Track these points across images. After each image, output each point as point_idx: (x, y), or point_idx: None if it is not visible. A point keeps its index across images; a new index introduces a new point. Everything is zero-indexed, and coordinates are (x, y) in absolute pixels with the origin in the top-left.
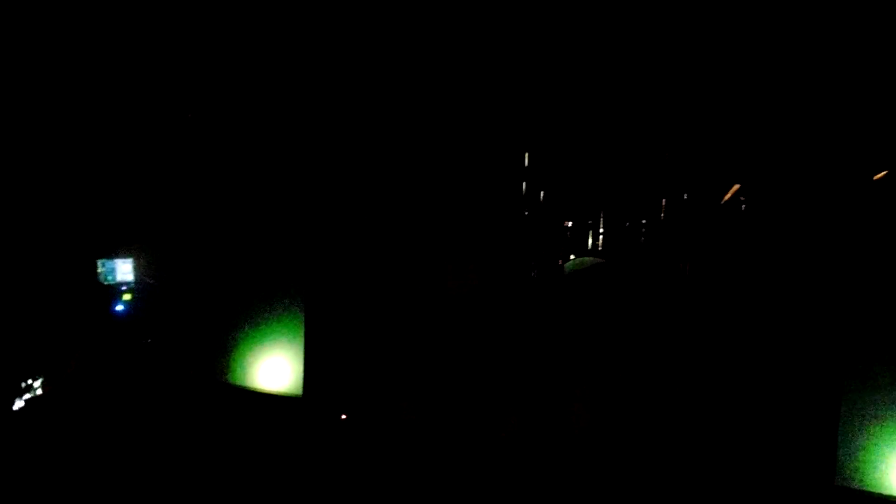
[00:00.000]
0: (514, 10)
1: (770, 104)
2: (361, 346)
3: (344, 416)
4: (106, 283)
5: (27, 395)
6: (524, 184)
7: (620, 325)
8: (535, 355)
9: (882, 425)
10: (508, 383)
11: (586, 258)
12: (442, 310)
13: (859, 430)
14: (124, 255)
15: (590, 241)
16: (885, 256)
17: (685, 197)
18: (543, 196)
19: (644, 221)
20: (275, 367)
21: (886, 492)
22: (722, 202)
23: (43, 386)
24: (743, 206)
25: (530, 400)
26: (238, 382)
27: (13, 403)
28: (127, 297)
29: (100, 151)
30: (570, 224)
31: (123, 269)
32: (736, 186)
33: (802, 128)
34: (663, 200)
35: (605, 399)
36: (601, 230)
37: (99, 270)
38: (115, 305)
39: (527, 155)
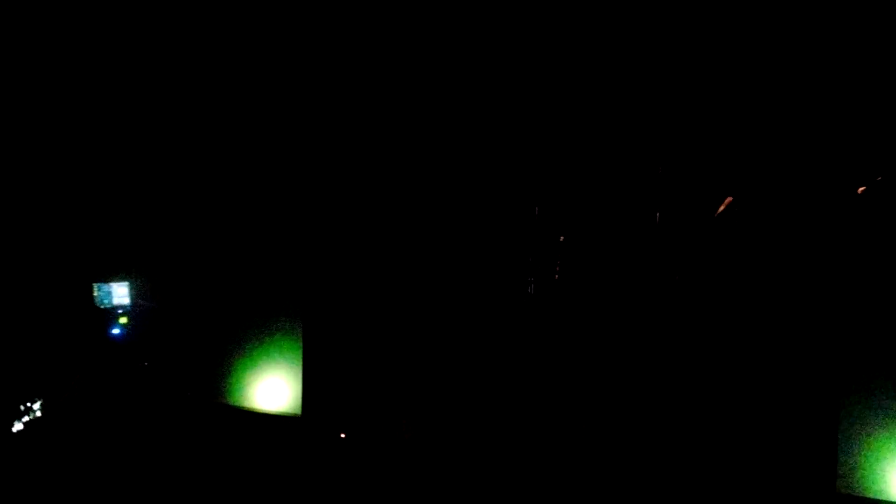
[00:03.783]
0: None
1: (763, 117)
2: (360, 364)
3: (343, 435)
4: (102, 306)
5: (26, 418)
6: (519, 200)
7: (617, 338)
8: (532, 370)
9: (881, 432)
10: (507, 400)
11: None
12: (440, 327)
13: (859, 436)
14: (120, 279)
15: (584, 254)
16: (883, 268)
17: (679, 210)
18: (538, 211)
19: (638, 235)
20: (273, 387)
21: (887, 498)
22: (715, 215)
23: (42, 409)
24: (737, 218)
25: (530, 416)
26: (236, 403)
27: (12, 426)
28: (123, 320)
29: (94, 176)
30: (563, 238)
31: (119, 293)
32: (729, 199)
33: (796, 140)
34: (657, 214)
35: (605, 411)
36: (595, 244)
37: (95, 294)
38: (112, 329)
39: (522, 171)
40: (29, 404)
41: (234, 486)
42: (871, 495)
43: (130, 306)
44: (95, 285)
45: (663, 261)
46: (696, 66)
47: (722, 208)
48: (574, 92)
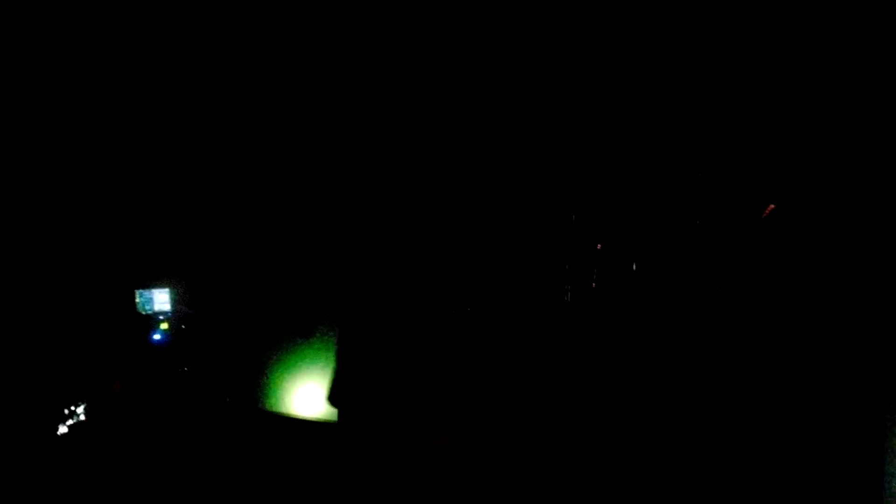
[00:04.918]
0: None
1: (806, 123)
2: (397, 372)
3: (379, 441)
4: (143, 312)
5: (70, 421)
6: (557, 208)
7: (655, 346)
8: (570, 378)
9: None
10: (545, 407)
11: None
12: (478, 334)
13: None
14: (161, 285)
15: (621, 263)
16: None
17: (719, 217)
18: (575, 219)
19: (677, 243)
20: (310, 394)
21: None
22: (759, 221)
23: (85, 412)
24: (778, 224)
25: (568, 423)
26: (274, 409)
27: (57, 429)
28: (164, 326)
29: (137, 184)
30: (600, 246)
31: (160, 299)
32: (771, 206)
33: (843, 143)
34: (696, 221)
35: (643, 421)
36: (633, 252)
37: (137, 300)
38: (153, 335)
39: (559, 179)
40: (73, 408)
41: (271, 491)
42: None
43: (171, 312)
44: (137, 291)
45: (703, 269)
46: (737, 77)
47: (765, 215)
48: (612, 100)
